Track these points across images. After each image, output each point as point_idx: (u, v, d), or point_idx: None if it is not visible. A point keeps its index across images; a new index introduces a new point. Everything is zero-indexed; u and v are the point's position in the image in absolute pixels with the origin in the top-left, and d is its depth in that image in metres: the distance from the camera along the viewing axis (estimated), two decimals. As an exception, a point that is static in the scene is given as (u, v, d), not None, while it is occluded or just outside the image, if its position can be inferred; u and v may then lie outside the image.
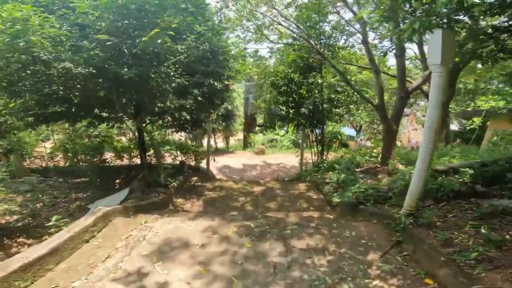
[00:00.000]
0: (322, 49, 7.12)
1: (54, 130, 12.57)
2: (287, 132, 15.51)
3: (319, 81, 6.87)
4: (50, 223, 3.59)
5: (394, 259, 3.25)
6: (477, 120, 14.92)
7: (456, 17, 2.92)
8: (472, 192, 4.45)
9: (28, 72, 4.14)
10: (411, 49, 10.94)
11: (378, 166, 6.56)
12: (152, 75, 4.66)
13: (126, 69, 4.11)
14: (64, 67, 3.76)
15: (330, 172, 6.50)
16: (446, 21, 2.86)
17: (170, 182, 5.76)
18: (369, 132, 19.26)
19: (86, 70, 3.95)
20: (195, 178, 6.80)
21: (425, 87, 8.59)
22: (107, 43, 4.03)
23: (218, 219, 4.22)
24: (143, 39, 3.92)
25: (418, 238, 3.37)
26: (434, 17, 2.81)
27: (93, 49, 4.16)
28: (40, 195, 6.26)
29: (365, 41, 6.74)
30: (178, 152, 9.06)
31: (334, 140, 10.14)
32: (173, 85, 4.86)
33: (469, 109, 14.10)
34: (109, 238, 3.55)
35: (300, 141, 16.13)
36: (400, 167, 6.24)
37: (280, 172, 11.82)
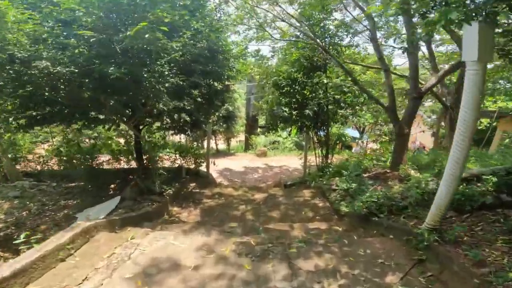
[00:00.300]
0: (327, 48, 6.64)
1: (52, 132, 12.17)
2: (289, 134, 15.01)
3: (325, 81, 6.40)
4: (18, 241, 3.15)
5: (417, 280, 2.80)
6: (484, 121, 14.38)
7: (495, 9, 2.44)
8: (497, 202, 3.96)
9: (5, 72, 3.69)
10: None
11: (388, 171, 6.06)
12: (145, 75, 4.20)
13: (113, 68, 3.66)
14: (42, 66, 3.32)
15: (337, 178, 6.02)
16: (485, 12, 2.38)
17: (166, 189, 5.29)
18: (373, 133, 18.75)
19: (67, 69, 3.51)
20: (193, 184, 6.33)
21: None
22: (91, 39, 3.58)
23: (215, 234, 3.76)
24: (128, 33, 3.47)
25: (446, 256, 2.91)
26: (472, 7, 2.34)
27: (78, 47, 3.73)
28: (28, 202, 5.82)
29: (374, 39, 6.26)
30: (177, 155, 8.65)
31: (338, 142, 9.67)
32: (166, 85, 4.40)
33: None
34: (88, 256, 3.09)
35: (303, 143, 15.70)
36: (412, 173, 5.75)
37: (282, 175, 11.36)
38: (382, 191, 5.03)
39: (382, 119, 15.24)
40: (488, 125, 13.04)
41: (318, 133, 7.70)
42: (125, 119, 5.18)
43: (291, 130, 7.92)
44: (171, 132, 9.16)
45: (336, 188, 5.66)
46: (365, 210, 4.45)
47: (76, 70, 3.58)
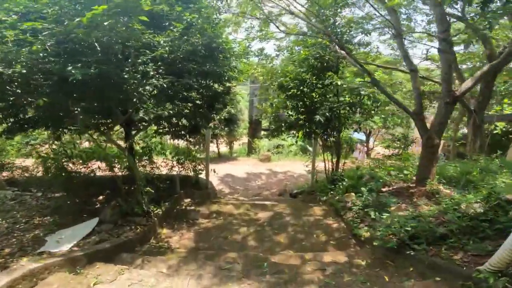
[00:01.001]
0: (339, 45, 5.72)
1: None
2: (296, 140, 14.04)
3: (338, 82, 5.51)
4: None
5: None
6: (500, 125, 13.34)
7: None
8: None
9: None
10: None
11: (411, 185, 5.15)
12: (126, 75, 3.33)
13: (77, 68, 2.79)
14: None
15: (352, 194, 5.10)
16: None
17: (154, 209, 4.40)
18: (380, 136, 17.76)
19: (10, 70, 2.66)
20: (187, 200, 5.42)
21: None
22: (44, 32, 2.73)
23: (207, 276, 2.88)
24: (77, 19, 2.61)
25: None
26: None
27: (35, 43, 2.88)
28: (0, 219, 4.99)
29: (398, 34, 5.34)
30: (174, 162, 7.81)
31: (345, 146, 8.76)
32: (147, 87, 3.51)
33: (491, 113, 12.53)
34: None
35: (308, 146, 14.74)
36: (441, 188, 4.82)
37: (287, 182, 10.47)
38: (409, 212, 4.14)
39: (391, 122, 14.24)
40: (503, 129, 12.03)
41: (328, 139, 6.78)
42: (104, 129, 4.30)
43: (298, 136, 6.98)
44: (168, 137, 8.39)
45: (353, 206, 4.76)
46: (392, 237, 3.56)
47: (24, 71, 2.72)
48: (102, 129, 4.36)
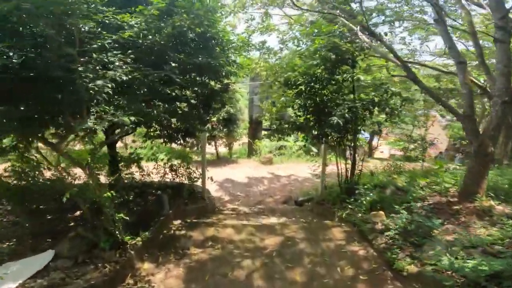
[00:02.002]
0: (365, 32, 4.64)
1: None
2: (305, 144, 12.86)
3: (361, 77, 4.46)
4: None
5: None
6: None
7: None
8: None
9: None
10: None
11: (452, 200, 4.11)
12: (73, 66, 2.27)
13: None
14: None
15: (381, 213, 4.03)
16: None
17: (130, 239, 3.28)
18: (384, 135, 16.69)
19: None
20: (177, 222, 4.27)
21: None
22: None
23: None
24: None
25: None
26: None
27: None
28: None
29: (441, 20, 4.28)
30: (167, 168, 6.76)
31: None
32: (98, 82, 2.39)
33: None
34: None
35: (313, 148, 13.63)
36: (492, 204, 3.78)
37: (291, 187, 9.43)
38: (461, 236, 3.11)
39: (398, 121, 13.08)
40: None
41: (341, 142, 5.69)
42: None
43: (304, 138, 5.92)
44: (160, 141, 7.33)
45: (384, 228, 3.72)
46: (455, 275, 2.53)
47: None
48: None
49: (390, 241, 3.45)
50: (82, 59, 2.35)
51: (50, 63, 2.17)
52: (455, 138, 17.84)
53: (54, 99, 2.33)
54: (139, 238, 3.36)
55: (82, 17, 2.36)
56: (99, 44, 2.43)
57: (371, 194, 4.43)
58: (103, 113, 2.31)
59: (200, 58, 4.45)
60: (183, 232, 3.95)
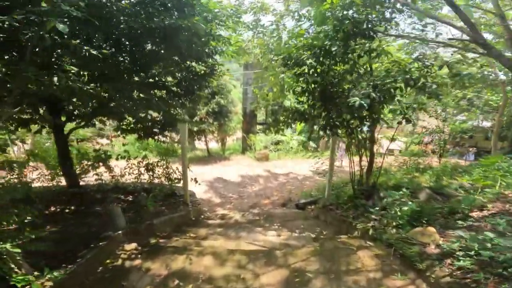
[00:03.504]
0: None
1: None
2: (309, 137, 11.52)
3: (391, 50, 3.26)
4: None
5: None
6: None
7: None
8: None
9: None
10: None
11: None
12: None
13: None
14: None
15: (431, 229, 2.81)
16: None
17: (37, 280, 1.98)
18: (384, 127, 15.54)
19: None
20: (131, 247, 2.87)
21: None
22: None
23: None
24: None
25: None
26: None
27: None
28: None
29: None
30: (142, 168, 5.51)
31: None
32: None
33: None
34: None
35: (311, 143, 12.45)
36: None
37: (291, 186, 8.23)
38: None
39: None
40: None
41: (354, 133, 4.48)
42: None
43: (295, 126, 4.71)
44: (134, 135, 6.06)
45: (440, 252, 2.53)
46: None
47: None
48: None
49: (459, 273, 2.26)
50: None
51: None
52: (456, 132, 16.88)
53: None
54: (46, 277, 2.05)
55: None
56: None
57: (409, 202, 3.20)
58: None
59: (169, 21, 3.19)
60: (136, 262, 2.63)
